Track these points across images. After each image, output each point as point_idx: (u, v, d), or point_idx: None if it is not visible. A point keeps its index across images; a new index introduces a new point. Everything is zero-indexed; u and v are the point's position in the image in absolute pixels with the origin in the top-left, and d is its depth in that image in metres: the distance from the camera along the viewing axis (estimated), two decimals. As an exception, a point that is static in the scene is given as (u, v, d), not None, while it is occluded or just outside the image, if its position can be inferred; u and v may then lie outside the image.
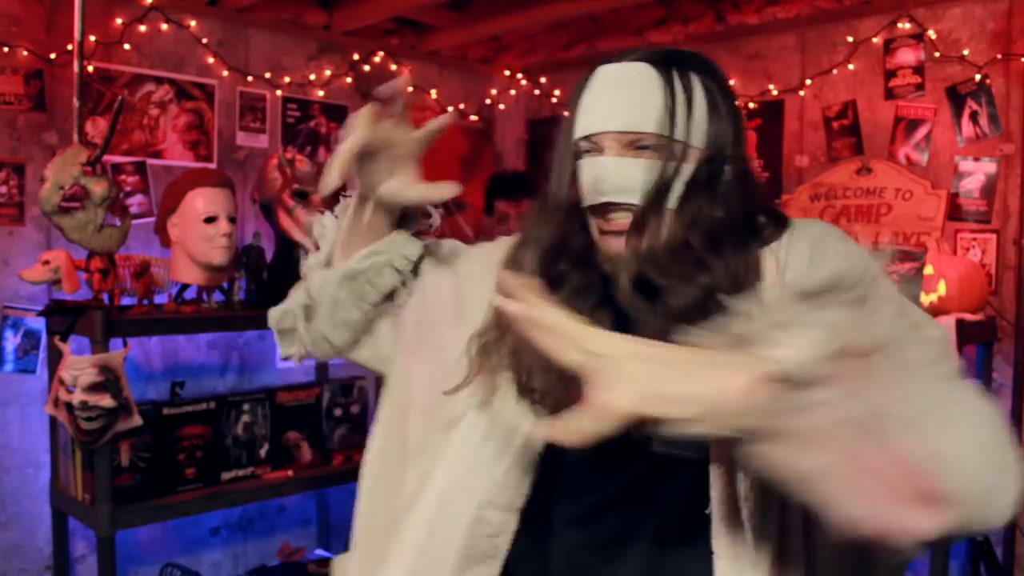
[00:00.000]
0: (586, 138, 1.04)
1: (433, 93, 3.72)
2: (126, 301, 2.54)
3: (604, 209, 1.02)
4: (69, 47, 2.61)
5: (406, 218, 1.24)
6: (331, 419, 2.98)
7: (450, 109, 3.81)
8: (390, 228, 1.22)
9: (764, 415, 0.73)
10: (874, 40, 2.92)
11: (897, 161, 2.89)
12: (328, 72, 3.36)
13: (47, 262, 2.37)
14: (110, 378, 2.23)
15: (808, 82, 3.08)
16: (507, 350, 1.03)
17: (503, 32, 3.65)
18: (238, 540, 3.20)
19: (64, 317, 2.34)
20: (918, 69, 2.85)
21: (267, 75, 3.19)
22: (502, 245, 1.18)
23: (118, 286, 2.48)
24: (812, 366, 0.71)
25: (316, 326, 1.24)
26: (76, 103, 2.41)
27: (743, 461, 0.80)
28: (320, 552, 3.25)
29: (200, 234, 2.50)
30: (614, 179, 1.00)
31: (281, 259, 2.82)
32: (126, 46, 2.83)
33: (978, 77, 2.71)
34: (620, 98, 1.02)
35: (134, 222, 2.57)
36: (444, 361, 1.11)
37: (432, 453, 1.10)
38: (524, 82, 3.97)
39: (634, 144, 1.01)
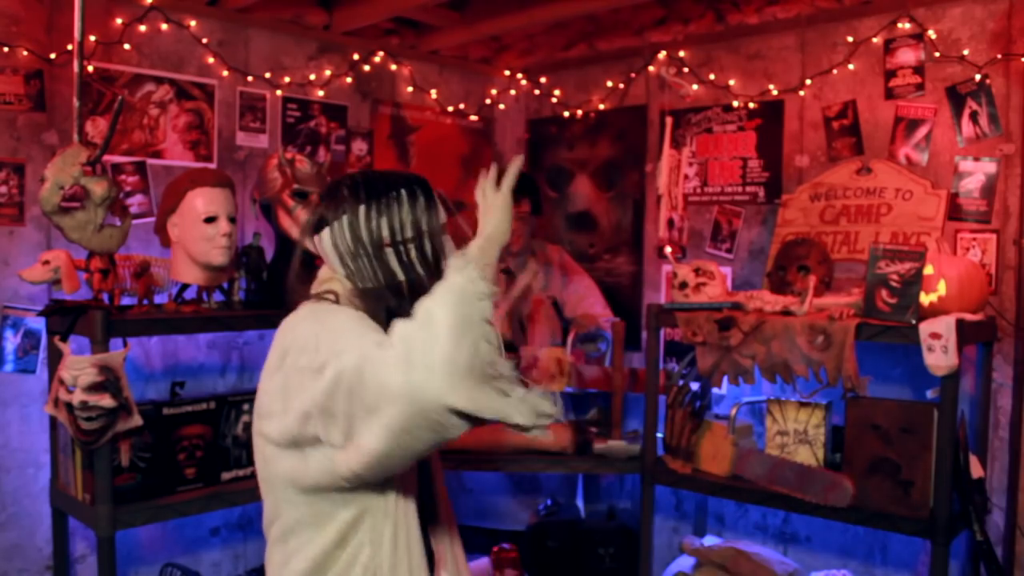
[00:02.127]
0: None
1: (433, 93, 3.73)
2: (126, 301, 2.55)
3: None
4: (69, 47, 2.61)
5: None
6: (331, 419, 2.98)
7: (450, 108, 3.81)
8: None
9: None
10: (874, 40, 2.92)
11: (897, 161, 2.89)
12: (328, 72, 3.36)
13: (47, 262, 2.37)
14: (110, 378, 2.23)
15: (808, 82, 3.08)
16: None
17: (503, 32, 3.65)
18: (238, 540, 3.20)
19: (64, 317, 2.34)
20: (918, 69, 2.85)
21: (267, 75, 3.19)
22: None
23: (118, 286, 2.48)
24: None
25: None
26: (76, 103, 2.40)
27: None
28: (320, 552, 3.24)
29: (200, 234, 2.50)
30: None
31: (281, 259, 2.82)
32: (126, 46, 2.83)
33: (978, 77, 2.71)
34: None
35: (134, 222, 2.57)
36: None
37: None
38: (524, 82, 3.97)
39: None
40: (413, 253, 1.48)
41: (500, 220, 1.42)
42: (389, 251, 1.47)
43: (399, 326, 1.26)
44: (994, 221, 2.71)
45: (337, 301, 1.49)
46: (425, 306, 1.26)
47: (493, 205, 1.44)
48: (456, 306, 1.24)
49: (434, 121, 3.79)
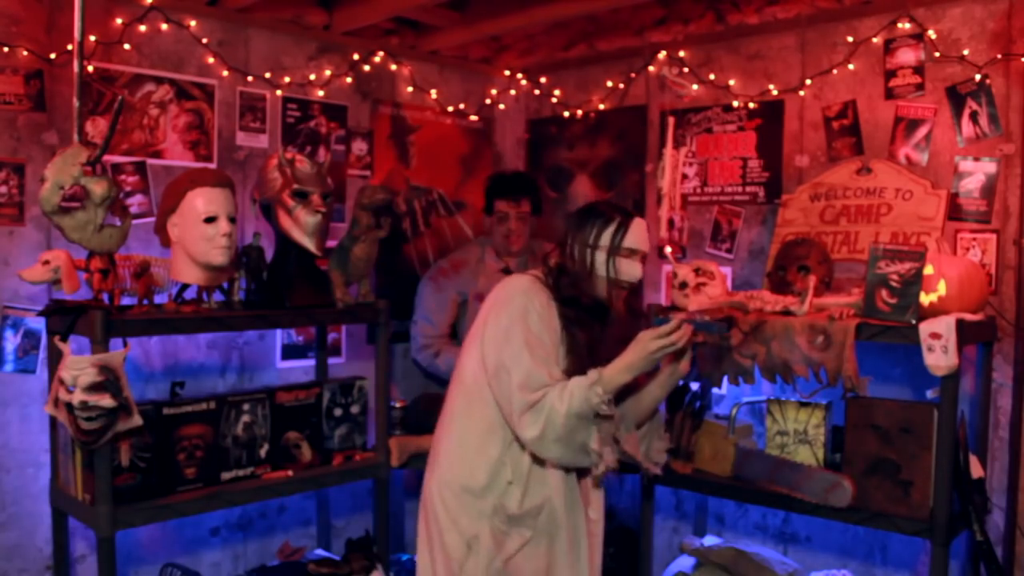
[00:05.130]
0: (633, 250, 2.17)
1: (433, 93, 3.73)
2: (126, 301, 2.55)
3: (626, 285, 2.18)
4: (69, 47, 2.61)
5: None
6: (331, 419, 2.98)
7: (450, 108, 3.81)
8: None
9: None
10: (874, 40, 2.92)
11: (897, 161, 2.89)
12: (328, 72, 3.37)
13: (47, 262, 2.37)
14: (110, 378, 2.23)
15: (808, 82, 3.08)
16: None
17: (503, 32, 3.65)
18: (238, 540, 3.20)
19: (64, 317, 2.34)
20: (918, 69, 2.85)
21: (267, 75, 3.19)
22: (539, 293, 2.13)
23: (118, 286, 2.48)
24: None
25: None
26: (76, 103, 2.41)
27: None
28: (320, 552, 3.25)
29: (200, 234, 2.50)
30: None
31: (281, 259, 2.83)
32: (126, 46, 2.83)
33: (978, 77, 2.71)
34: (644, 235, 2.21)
35: (134, 222, 2.57)
36: None
37: None
38: (524, 82, 3.97)
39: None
40: (583, 254, 2.14)
41: (640, 358, 2.03)
42: (578, 246, 2.15)
43: (549, 396, 1.96)
44: (994, 221, 2.71)
45: (544, 282, 2.16)
46: (562, 396, 1.96)
47: (642, 344, 2.02)
48: (577, 412, 1.95)
49: (434, 121, 3.79)
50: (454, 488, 2.10)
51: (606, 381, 1.99)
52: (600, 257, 2.13)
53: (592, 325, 2.15)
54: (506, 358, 2.02)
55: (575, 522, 2.14)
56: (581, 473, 2.16)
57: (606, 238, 2.13)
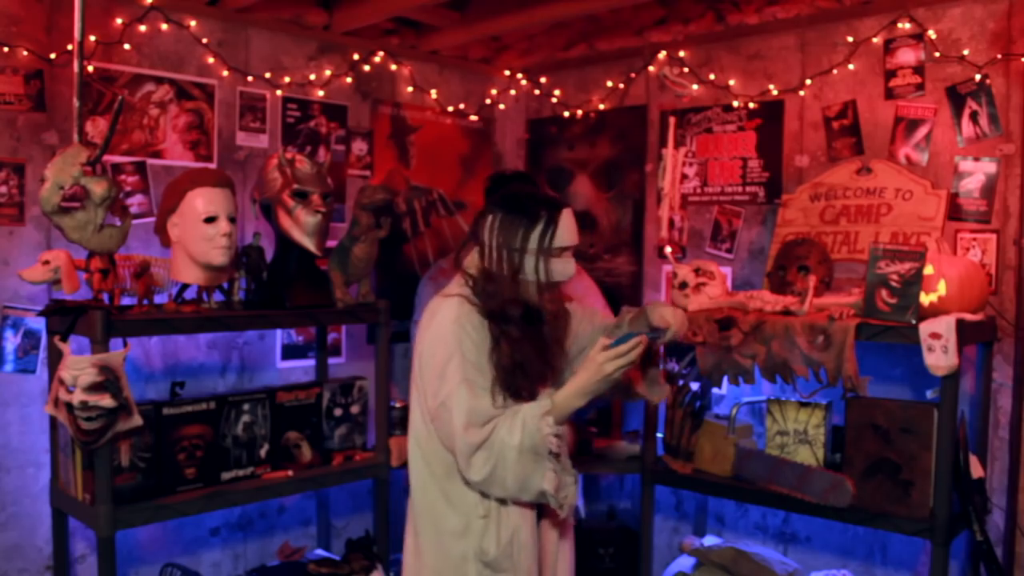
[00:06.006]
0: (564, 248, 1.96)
1: (433, 93, 3.73)
2: (126, 301, 2.55)
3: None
4: (69, 47, 2.61)
5: None
6: (331, 419, 2.98)
7: (450, 108, 3.81)
8: None
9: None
10: (874, 40, 2.92)
11: (897, 161, 2.89)
12: (328, 72, 3.36)
13: (47, 262, 2.37)
14: (110, 378, 2.23)
15: (808, 82, 3.08)
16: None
17: (503, 32, 3.65)
18: (238, 540, 3.20)
19: (64, 317, 2.34)
20: (918, 69, 2.85)
21: (267, 75, 3.19)
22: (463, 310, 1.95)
23: (118, 286, 2.48)
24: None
25: None
26: (76, 103, 2.41)
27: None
28: (320, 552, 3.25)
29: (200, 234, 2.50)
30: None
31: (281, 259, 2.83)
32: (126, 46, 2.83)
33: (978, 77, 2.71)
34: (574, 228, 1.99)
35: (134, 222, 2.57)
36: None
37: None
38: (524, 82, 3.97)
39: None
40: (511, 259, 1.93)
41: (594, 382, 1.87)
42: (504, 251, 1.93)
43: (498, 431, 1.84)
44: (994, 221, 2.71)
45: (472, 291, 1.96)
46: (512, 428, 1.84)
47: (596, 366, 1.86)
48: (530, 447, 1.83)
49: (434, 121, 3.79)
50: (431, 537, 2.00)
51: (558, 409, 1.87)
52: (529, 262, 1.93)
53: (523, 337, 1.95)
54: (445, 397, 1.88)
55: (538, 552, 2.07)
56: (542, 512, 2.05)
57: (534, 240, 1.92)
